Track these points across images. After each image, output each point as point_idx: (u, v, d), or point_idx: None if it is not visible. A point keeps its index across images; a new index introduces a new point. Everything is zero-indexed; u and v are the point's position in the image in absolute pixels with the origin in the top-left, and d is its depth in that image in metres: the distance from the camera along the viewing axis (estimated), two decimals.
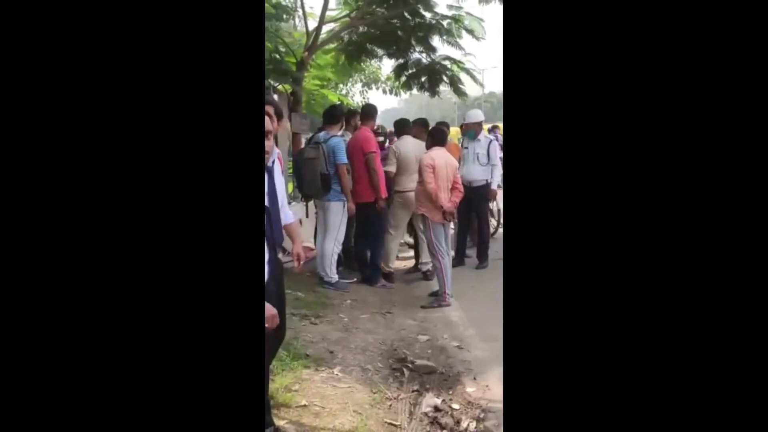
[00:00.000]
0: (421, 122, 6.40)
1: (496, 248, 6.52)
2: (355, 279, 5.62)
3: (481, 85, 8.61)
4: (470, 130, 6.32)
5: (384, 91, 11.04)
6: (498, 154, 6.21)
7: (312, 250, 2.88)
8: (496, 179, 6.22)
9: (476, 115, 6.42)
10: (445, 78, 7.64)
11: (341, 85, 11.13)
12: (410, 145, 5.72)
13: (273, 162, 2.61)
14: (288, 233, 2.87)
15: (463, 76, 7.94)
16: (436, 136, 5.19)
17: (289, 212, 2.93)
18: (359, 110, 6.26)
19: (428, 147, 5.20)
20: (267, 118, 2.41)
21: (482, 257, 6.15)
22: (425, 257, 5.81)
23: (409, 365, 3.66)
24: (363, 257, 5.65)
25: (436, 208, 4.88)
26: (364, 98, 11.80)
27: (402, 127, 6.07)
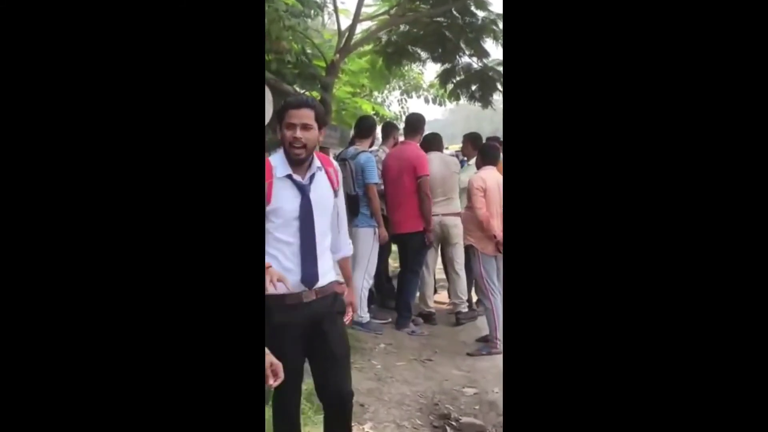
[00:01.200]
0: (472, 138, 6.43)
1: None
2: (389, 319, 5.64)
3: None
4: None
5: (426, 100, 10.94)
6: None
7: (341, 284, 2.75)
8: None
9: None
10: (499, 86, 7.49)
11: (377, 93, 11.09)
12: (437, 164, 5.69)
13: (312, 177, 2.51)
14: (341, 268, 2.74)
15: None
16: (487, 153, 5.18)
17: (347, 242, 2.78)
18: (398, 122, 6.23)
19: (478, 166, 5.20)
20: (305, 123, 2.40)
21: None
22: (458, 296, 5.86)
23: (453, 423, 3.65)
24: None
25: (487, 237, 4.89)
26: (402, 108, 11.74)
27: (430, 142, 5.99)
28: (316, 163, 2.56)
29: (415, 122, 5.76)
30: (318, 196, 2.52)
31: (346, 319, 2.70)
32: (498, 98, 7.77)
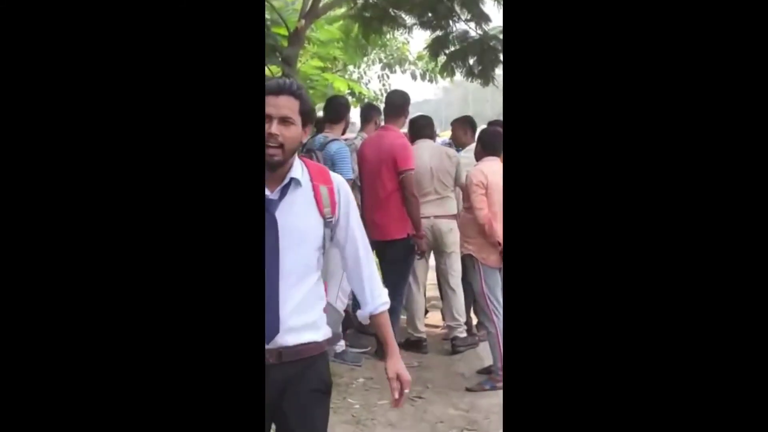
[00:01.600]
0: (465, 122, 6.06)
1: None
2: (369, 348, 5.35)
3: None
4: None
5: (413, 76, 10.52)
6: None
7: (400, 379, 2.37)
8: None
9: None
10: (502, 59, 6.91)
11: (352, 68, 10.74)
12: (427, 155, 5.32)
13: (284, 191, 2.19)
14: (375, 328, 2.38)
15: None
16: (488, 141, 4.86)
17: (378, 291, 2.35)
18: (379, 102, 5.66)
19: (478, 157, 4.89)
20: (285, 116, 2.17)
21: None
22: (454, 317, 5.53)
23: None
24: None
25: (489, 245, 4.61)
26: (384, 86, 11.28)
27: (419, 127, 5.61)
28: (294, 172, 2.21)
29: (396, 101, 5.36)
30: (289, 220, 2.18)
31: (394, 402, 2.35)
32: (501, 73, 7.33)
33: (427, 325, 5.99)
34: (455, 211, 5.46)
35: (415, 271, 5.45)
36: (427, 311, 6.12)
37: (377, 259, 5.31)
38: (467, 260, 4.86)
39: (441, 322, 6.10)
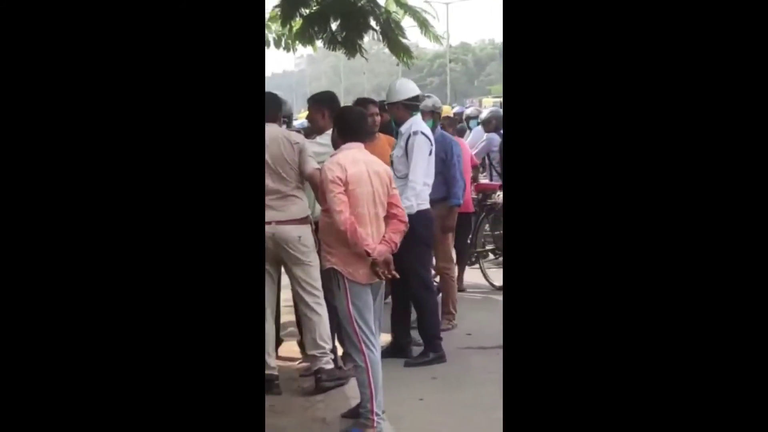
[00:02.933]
0: (320, 101, 5.16)
1: (468, 329, 5.91)
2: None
3: (442, 36, 7.05)
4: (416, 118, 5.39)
5: (266, 43, 9.26)
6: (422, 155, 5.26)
7: None
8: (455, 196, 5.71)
9: (405, 89, 5.35)
10: (373, 22, 6.32)
11: None
12: (269, 143, 4.44)
13: None
14: None
15: (407, 20, 6.73)
16: (346, 123, 4.22)
17: None
18: None
19: (335, 144, 4.26)
20: None
21: (429, 344, 5.26)
22: (317, 344, 4.73)
23: None
24: None
25: (355, 256, 4.02)
26: None
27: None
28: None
29: None
30: None
31: None
32: (372, 41, 6.90)
33: (280, 358, 5.38)
34: (305, 213, 4.78)
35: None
36: (280, 341, 5.50)
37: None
38: (330, 275, 4.23)
39: (299, 354, 5.48)
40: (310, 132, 5.71)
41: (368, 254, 3.97)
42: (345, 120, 4.26)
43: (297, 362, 5.44)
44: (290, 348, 5.74)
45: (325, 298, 4.82)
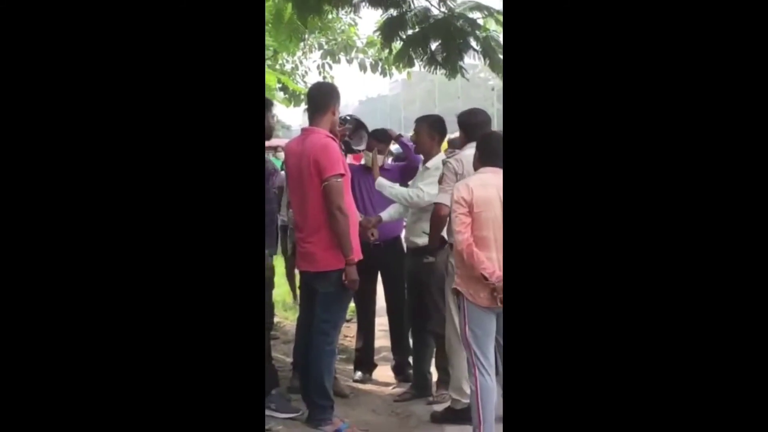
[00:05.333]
0: (433, 124, 5.07)
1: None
2: (301, 411, 4.57)
3: None
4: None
5: (362, 67, 9.64)
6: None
7: None
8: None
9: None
10: (473, 43, 6.24)
11: (286, 57, 9.95)
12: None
13: None
14: None
15: None
16: (490, 147, 4.17)
17: None
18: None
19: (475, 167, 4.24)
20: None
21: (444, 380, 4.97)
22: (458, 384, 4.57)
23: None
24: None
25: (475, 279, 3.92)
26: (325, 78, 10.24)
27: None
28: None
29: (319, 97, 4.53)
30: None
31: None
32: (472, 62, 6.64)
33: (374, 383, 5.42)
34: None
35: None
36: (375, 365, 5.49)
37: (306, 295, 4.65)
38: (455, 297, 4.24)
39: (392, 378, 5.47)
40: (403, 156, 5.68)
41: (485, 278, 3.92)
42: (489, 144, 4.23)
43: (391, 387, 5.37)
44: (384, 372, 5.66)
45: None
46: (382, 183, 4.98)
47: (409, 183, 5.07)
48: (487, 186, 4.02)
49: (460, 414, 4.57)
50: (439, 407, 4.81)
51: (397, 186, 4.97)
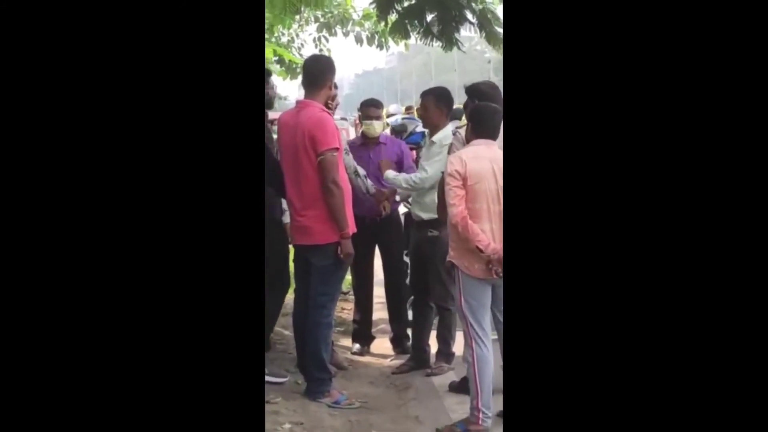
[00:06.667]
0: (439, 96, 5.04)
1: None
2: (287, 378, 4.72)
3: None
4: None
5: (358, 39, 9.68)
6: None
7: None
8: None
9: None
10: (469, 16, 6.32)
11: (282, 30, 9.95)
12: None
13: None
14: None
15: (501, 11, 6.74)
16: (482, 119, 4.18)
17: None
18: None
19: (468, 139, 4.29)
20: None
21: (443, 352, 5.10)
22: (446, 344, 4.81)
23: None
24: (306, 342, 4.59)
25: (470, 251, 3.98)
26: (321, 51, 10.28)
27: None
28: None
29: (315, 70, 4.51)
30: None
31: None
32: (468, 35, 6.81)
33: (372, 355, 5.53)
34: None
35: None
36: (372, 337, 5.56)
37: (301, 269, 4.67)
38: (450, 270, 4.29)
39: (391, 351, 5.54)
40: (402, 129, 5.68)
41: (480, 250, 3.98)
42: (481, 116, 4.26)
43: (389, 359, 5.45)
44: (382, 345, 5.71)
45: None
46: (389, 176, 5.01)
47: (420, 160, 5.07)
48: (480, 158, 4.03)
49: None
50: (440, 379, 4.91)
51: (401, 175, 4.98)
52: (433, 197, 4.68)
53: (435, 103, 4.95)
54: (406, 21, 6.43)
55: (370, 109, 5.25)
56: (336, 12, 9.83)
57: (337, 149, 4.26)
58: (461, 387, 4.64)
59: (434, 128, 4.98)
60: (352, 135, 8.20)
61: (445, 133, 4.75)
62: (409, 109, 10.61)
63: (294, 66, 8.57)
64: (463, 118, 5.15)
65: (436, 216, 4.71)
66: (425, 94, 5.07)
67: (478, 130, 4.21)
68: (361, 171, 4.82)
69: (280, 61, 8.46)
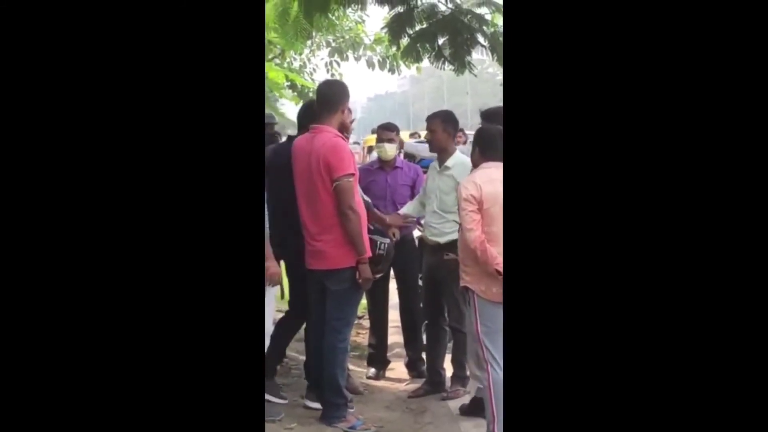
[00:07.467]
0: (447, 119, 5.01)
1: None
2: (287, 401, 4.71)
3: None
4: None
5: (370, 64, 9.76)
6: None
7: None
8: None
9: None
10: (481, 39, 6.31)
11: (293, 54, 9.96)
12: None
13: None
14: None
15: None
16: (488, 141, 4.20)
17: None
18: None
19: (476, 163, 4.25)
20: None
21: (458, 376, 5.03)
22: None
23: None
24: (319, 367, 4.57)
25: (487, 274, 4.00)
26: (333, 76, 10.37)
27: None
28: None
29: (329, 95, 4.50)
30: None
31: None
32: (480, 58, 6.76)
33: (388, 379, 5.46)
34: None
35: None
36: (388, 361, 5.50)
37: (316, 294, 4.60)
38: (463, 294, 4.25)
39: (407, 375, 5.49)
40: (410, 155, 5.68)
41: (499, 273, 3.95)
42: (487, 138, 4.25)
43: (405, 383, 5.40)
44: (397, 369, 5.67)
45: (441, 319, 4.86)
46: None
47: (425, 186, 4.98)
48: (494, 181, 4.01)
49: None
50: (456, 402, 4.84)
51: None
52: (452, 224, 4.65)
53: (443, 127, 4.91)
54: (418, 45, 6.44)
55: (383, 132, 5.26)
56: (347, 37, 9.89)
57: (353, 174, 4.23)
58: (472, 409, 4.60)
59: (442, 151, 4.94)
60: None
61: (456, 158, 4.73)
62: (413, 134, 10.59)
63: (306, 90, 8.60)
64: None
65: (451, 240, 4.65)
66: (431, 118, 5.04)
67: (486, 152, 4.20)
68: (366, 198, 4.74)
69: (293, 86, 8.51)
